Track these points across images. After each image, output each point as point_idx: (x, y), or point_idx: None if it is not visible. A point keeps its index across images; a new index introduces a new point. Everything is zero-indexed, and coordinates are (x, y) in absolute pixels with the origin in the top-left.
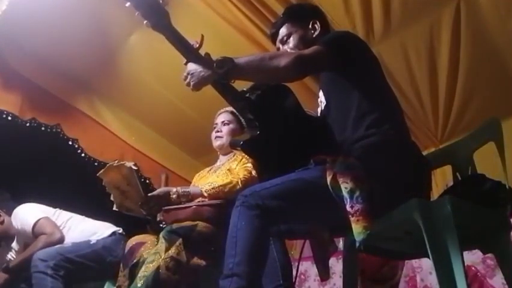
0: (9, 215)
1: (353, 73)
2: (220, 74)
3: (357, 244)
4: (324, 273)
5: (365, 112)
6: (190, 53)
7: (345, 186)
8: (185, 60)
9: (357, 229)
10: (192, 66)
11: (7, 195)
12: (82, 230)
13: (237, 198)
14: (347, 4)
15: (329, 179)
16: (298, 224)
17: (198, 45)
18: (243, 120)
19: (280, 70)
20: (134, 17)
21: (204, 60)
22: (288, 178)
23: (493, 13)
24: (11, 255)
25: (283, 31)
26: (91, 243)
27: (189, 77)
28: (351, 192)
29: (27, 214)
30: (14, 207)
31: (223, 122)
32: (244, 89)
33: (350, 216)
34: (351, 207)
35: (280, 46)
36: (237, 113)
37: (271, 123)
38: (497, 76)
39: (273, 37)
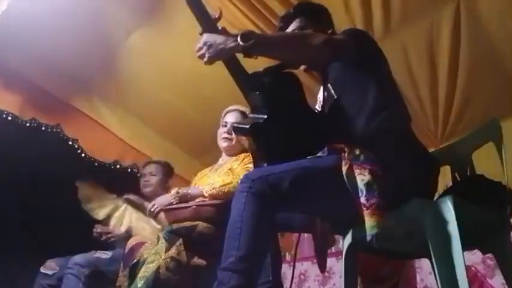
0: None
1: (370, 68)
2: (246, 47)
3: (369, 238)
4: (323, 265)
5: (380, 107)
6: (209, 23)
7: (362, 178)
8: (202, 30)
9: (371, 223)
10: (210, 38)
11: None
12: None
13: (242, 181)
14: (347, 4)
15: (344, 168)
16: (302, 213)
17: (217, 18)
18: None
19: (311, 48)
20: (134, 17)
21: (225, 32)
22: (299, 165)
23: (493, 13)
24: None
25: (296, 25)
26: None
27: (205, 48)
28: (368, 185)
29: None
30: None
31: (233, 123)
32: (255, 71)
33: (365, 209)
34: (367, 200)
35: None
36: (244, 95)
37: (283, 107)
38: (497, 76)
39: (283, 30)
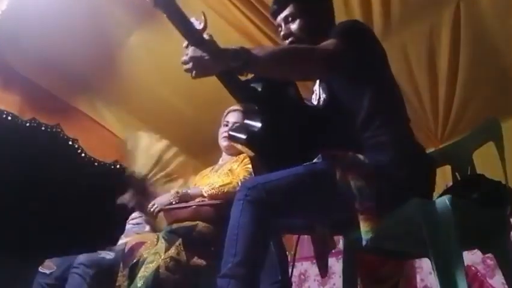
0: None
1: (368, 69)
2: (235, 67)
3: (365, 242)
4: (324, 269)
5: (376, 110)
6: (194, 36)
7: (354, 183)
8: (186, 43)
9: (366, 227)
10: (196, 52)
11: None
12: None
13: (239, 189)
14: (347, 4)
15: (338, 174)
16: (299, 219)
17: (202, 27)
18: (244, 110)
19: (307, 67)
20: (134, 17)
21: (214, 48)
22: (294, 172)
23: (493, 13)
24: None
25: (291, 10)
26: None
27: (191, 64)
28: (361, 190)
29: None
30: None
31: (235, 123)
32: (248, 79)
33: (359, 214)
34: (360, 205)
35: (283, 25)
36: (237, 100)
37: (278, 115)
38: (497, 76)
39: (276, 13)
